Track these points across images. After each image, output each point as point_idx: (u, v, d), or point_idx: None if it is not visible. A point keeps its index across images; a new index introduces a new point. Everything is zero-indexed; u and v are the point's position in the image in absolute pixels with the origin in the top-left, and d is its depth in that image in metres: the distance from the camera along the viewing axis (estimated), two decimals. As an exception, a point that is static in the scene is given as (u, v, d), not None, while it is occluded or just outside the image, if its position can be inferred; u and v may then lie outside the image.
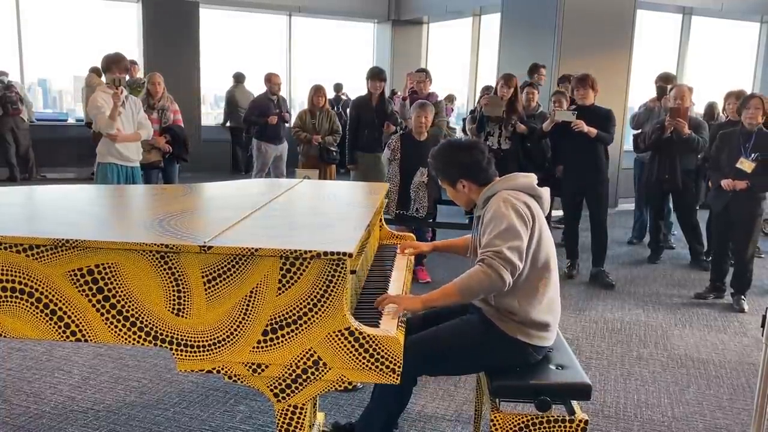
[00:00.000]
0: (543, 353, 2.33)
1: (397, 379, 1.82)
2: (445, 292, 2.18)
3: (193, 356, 1.83)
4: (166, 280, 1.82)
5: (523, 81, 6.60)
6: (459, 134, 9.49)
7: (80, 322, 1.87)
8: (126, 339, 1.86)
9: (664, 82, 6.31)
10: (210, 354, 1.83)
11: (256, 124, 7.40)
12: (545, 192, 2.38)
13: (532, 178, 2.38)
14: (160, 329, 1.84)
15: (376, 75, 6.09)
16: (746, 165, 4.62)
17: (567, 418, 2.15)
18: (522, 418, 2.16)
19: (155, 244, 1.80)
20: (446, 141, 2.51)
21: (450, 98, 9.36)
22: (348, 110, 6.36)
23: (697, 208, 6.20)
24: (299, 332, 1.80)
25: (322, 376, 1.82)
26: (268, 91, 7.46)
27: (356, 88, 9.23)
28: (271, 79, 7.48)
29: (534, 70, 7.11)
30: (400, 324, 2.01)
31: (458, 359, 2.32)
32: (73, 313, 1.86)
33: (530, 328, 2.26)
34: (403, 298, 2.20)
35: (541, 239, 2.27)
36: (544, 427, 2.14)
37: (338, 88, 11.30)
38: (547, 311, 2.29)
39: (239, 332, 1.81)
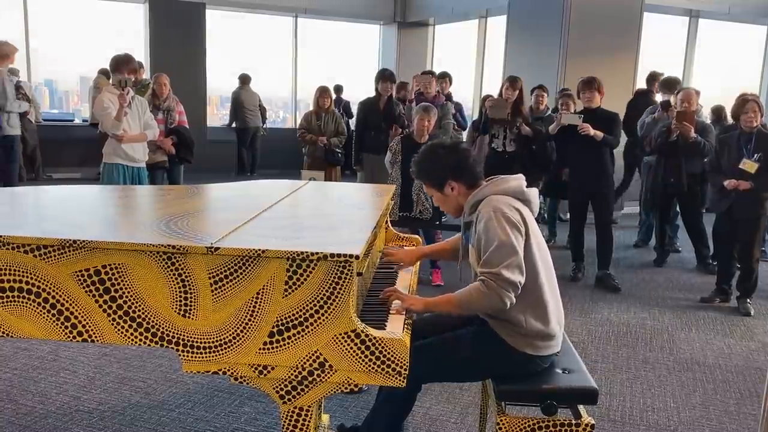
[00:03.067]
0: (550, 361, 2.31)
1: (403, 381, 1.82)
2: (448, 301, 2.19)
3: (198, 357, 1.83)
4: (173, 281, 1.81)
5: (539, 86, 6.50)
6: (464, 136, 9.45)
7: (87, 323, 1.87)
8: (132, 339, 1.86)
9: (668, 88, 6.27)
10: (216, 355, 1.83)
11: None
12: (534, 195, 2.31)
13: (520, 181, 2.31)
14: (166, 330, 1.84)
15: (387, 77, 6.08)
16: (749, 165, 4.63)
17: (573, 422, 2.14)
18: (528, 421, 2.15)
19: (162, 245, 1.80)
20: (428, 144, 2.43)
21: (449, 96, 9.33)
22: (356, 111, 6.37)
23: (703, 211, 6.18)
24: (305, 334, 1.79)
25: (328, 378, 1.82)
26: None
27: (362, 89, 9.21)
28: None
29: (653, 79, 6.89)
30: (406, 326, 2.01)
31: (464, 369, 2.32)
32: (79, 313, 1.86)
33: (537, 340, 2.24)
34: (408, 296, 2.22)
35: (534, 245, 2.22)
36: (550, 431, 2.13)
37: (338, 89, 11.25)
38: (552, 320, 2.26)
39: (245, 334, 1.81)
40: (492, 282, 2.09)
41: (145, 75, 8.26)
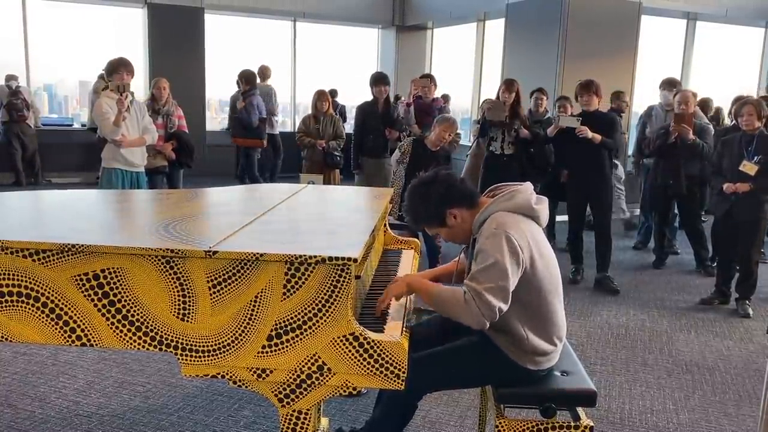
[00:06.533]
0: (548, 370, 2.30)
1: (401, 384, 1.82)
2: (428, 292, 2.14)
3: (197, 361, 1.84)
4: (172, 284, 1.82)
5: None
6: (464, 140, 9.46)
7: (86, 327, 1.87)
8: (131, 344, 1.86)
9: (670, 88, 6.28)
10: (215, 359, 1.83)
11: None
12: (543, 209, 2.22)
13: (528, 194, 2.21)
14: (165, 334, 1.84)
15: (379, 80, 6.10)
16: (749, 168, 4.64)
17: (572, 424, 2.14)
18: (527, 424, 2.15)
19: (161, 249, 1.80)
20: (409, 188, 2.32)
21: (446, 98, 9.32)
22: (354, 115, 6.38)
23: (702, 213, 6.18)
24: (304, 337, 1.80)
25: (327, 381, 1.82)
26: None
27: (360, 93, 9.21)
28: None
29: None
30: (404, 330, 2.02)
31: (464, 379, 2.31)
32: (78, 317, 1.87)
33: (539, 356, 2.22)
34: (390, 288, 2.18)
35: (540, 264, 2.14)
36: (549, 433, 2.14)
37: (333, 93, 11.23)
38: (554, 336, 2.24)
39: (244, 337, 1.81)
40: (472, 300, 2.02)
41: (140, 81, 8.25)
